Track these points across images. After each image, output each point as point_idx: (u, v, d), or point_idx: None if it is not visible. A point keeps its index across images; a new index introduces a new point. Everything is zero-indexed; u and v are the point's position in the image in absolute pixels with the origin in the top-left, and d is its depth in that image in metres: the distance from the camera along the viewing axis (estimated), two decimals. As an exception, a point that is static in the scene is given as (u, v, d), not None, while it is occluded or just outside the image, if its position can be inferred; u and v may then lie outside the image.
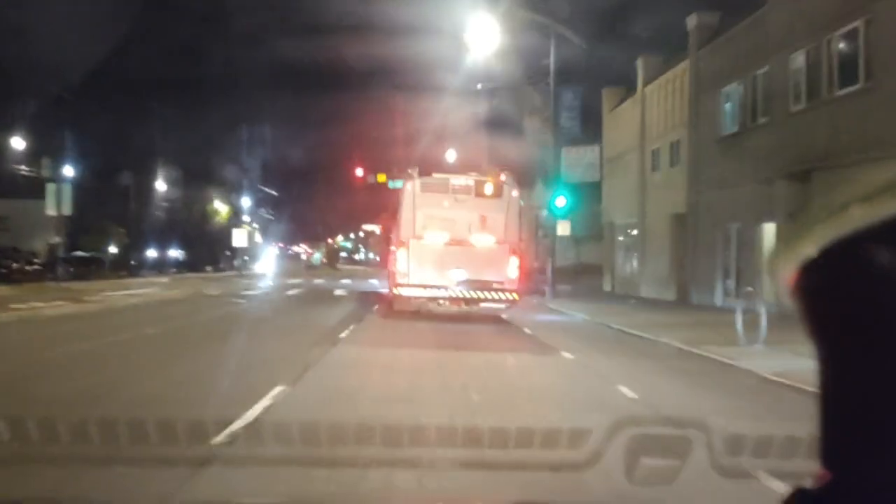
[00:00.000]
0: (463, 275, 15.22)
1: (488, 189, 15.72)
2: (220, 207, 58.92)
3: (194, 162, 53.55)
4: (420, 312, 15.78)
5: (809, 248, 0.79)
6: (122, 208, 46.80)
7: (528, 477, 4.48)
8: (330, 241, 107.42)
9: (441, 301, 15.66)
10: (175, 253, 52.75)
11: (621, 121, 30.73)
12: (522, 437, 4.88)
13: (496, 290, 15.35)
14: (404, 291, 15.62)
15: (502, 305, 16.01)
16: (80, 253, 39.15)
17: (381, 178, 30.61)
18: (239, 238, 51.42)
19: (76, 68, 41.82)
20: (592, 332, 15.41)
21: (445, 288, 15.23)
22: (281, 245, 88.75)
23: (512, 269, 15.42)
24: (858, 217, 0.74)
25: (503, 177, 16.35)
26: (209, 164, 56.83)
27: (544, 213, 25.86)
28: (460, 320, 15.49)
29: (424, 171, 16.57)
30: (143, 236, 48.94)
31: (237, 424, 5.20)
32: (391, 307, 16.65)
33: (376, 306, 18.94)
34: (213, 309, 18.54)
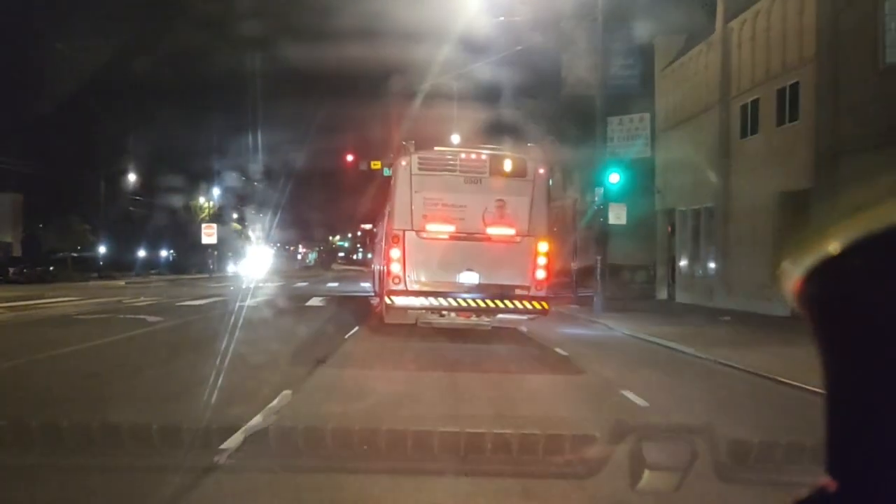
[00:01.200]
0: (475, 278, 11.74)
1: (508, 166, 12.05)
2: (204, 204, 52.07)
3: (179, 159, 48.26)
4: (416, 329, 12.29)
5: (813, 257, 0.81)
6: (92, 205, 42.68)
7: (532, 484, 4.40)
8: (331, 239, 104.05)
9: (445, 313, 11.96)
10: (165, 253, 50.82)
11: (684, 76, 23.96)
12: (526, 444, 4.75)
13: (518, 298, 11.73)
14: (398, 300, 11.86)
15: (525, 317, 12.31)
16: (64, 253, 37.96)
17: (376, 164, 27.21)
18: (208, 234, 43.32)
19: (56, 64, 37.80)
20: (704, 372, 9.61)
21: (452, 295, 11.67)
22: (279, 245, 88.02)
23: (539, 269, 11.87)
24: (864, 225, 0.76)
25: (528, 150, 12.94)
26: (197, 161, 50.75)
27: (587, 197, 21.74)
28: (472, 338, 12.11)
29: (425, 145, 12.68)
30: (117, 235, 43.95)
31: None
32: (381, 321, 13.04)
33: (355, 328, 13.68)
34: (84, 338, 11.26)
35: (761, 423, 6.36)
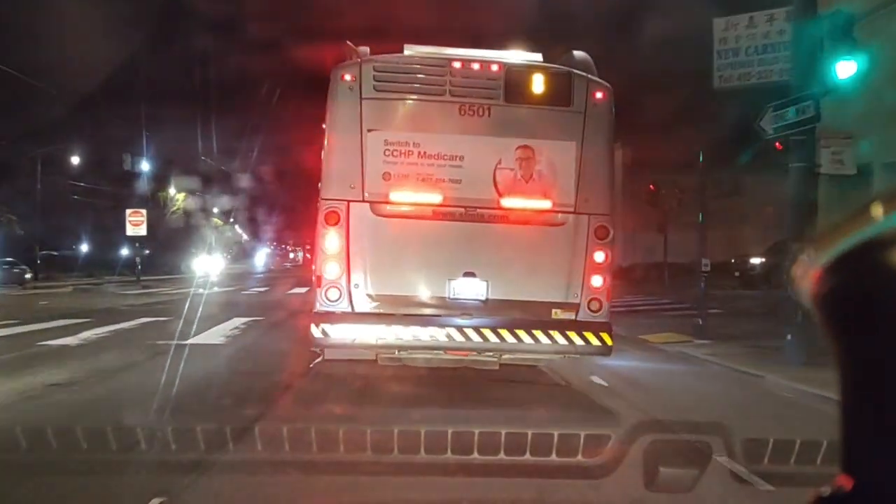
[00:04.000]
0: (478, 289, 6.89)
1: (540, 83, 6.98)
2: (177, 195, 47.74)
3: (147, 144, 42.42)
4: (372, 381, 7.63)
5: (828, 252, 0.79)
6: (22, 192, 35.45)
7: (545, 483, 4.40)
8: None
9: (424, 353, 7.18)
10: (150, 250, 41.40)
11: None
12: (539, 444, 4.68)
13: (559, 327, 6.79)
14: (336, 332, 6.78)
15: (576, 355, 7.20)
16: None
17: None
18: (135, 224, 32.47)
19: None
20: None
21: (436, 322, 6.79)
22: (275, 244, 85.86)
23: (596, 273, 6.95)
24: (877, 221, 0.75)
25: (574, 59, 7.34)
26: (169, 149, 45.69)
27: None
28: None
29: (385, 49, 7.47)
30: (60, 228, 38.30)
31: None
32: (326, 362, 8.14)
33: (264, 407, 6.70)
34: None
35: None
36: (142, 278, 33.47)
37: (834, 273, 0.78)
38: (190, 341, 10.68)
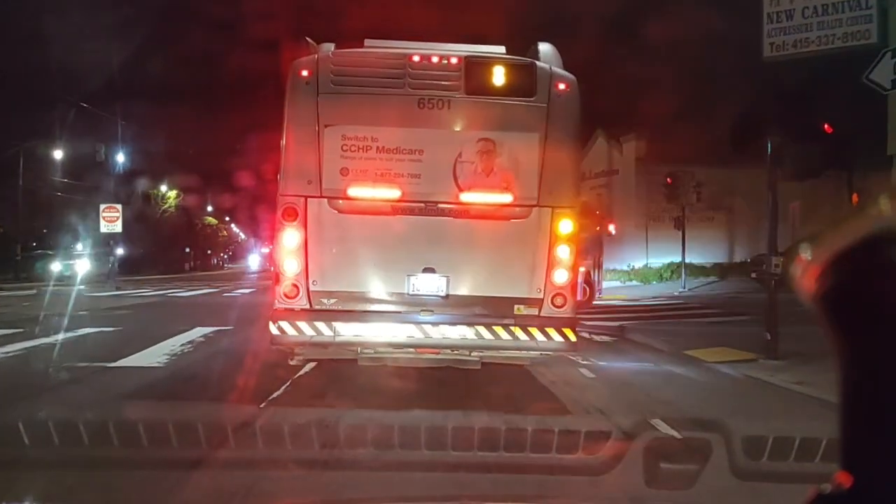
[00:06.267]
0: (438, 284, 6.82)
1: (501, 75, 6.92)
2: (169, 193, 45.99)
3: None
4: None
5: (828, 249, 0.79)
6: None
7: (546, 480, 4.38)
8: None
9: (382, 351, 7.01)
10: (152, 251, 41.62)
11: None
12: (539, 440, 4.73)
13: (521, 323, 6.72)
14: (293, 329, 6.68)
15: (535, 354, 7.04)
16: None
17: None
18: (110, 221, 29.82)
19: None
20: None
21: (394, 318, 6.78)
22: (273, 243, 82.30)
23: (560, 268, 6.83)
24: (876, 218, 0.75)
25: (541, 51, 7.30)
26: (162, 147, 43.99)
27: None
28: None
29: (345, 44, 7.48)
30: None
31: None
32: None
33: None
34: None
35: None
36: (123, 279, 31.61)
37: (834, 270, 0.78)
38: (119, 363, 8.50)
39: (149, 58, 47.01)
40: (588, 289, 18.28)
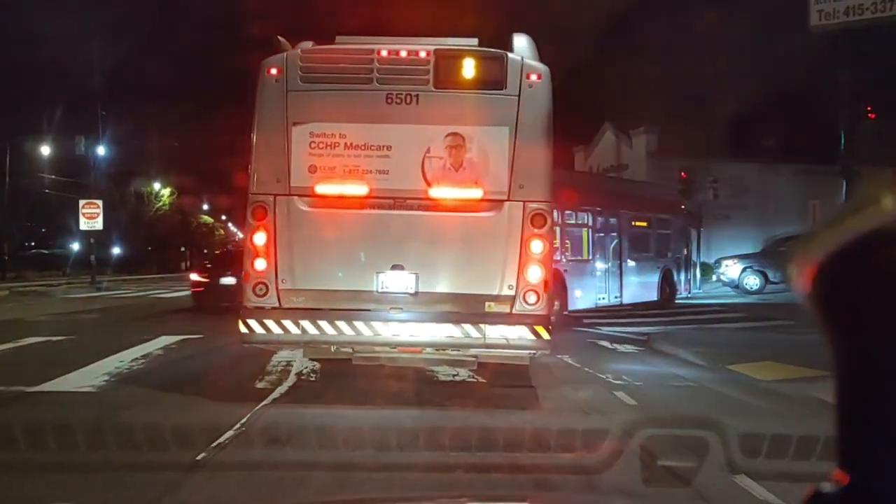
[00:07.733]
0: (407, 282, 6.79)
1: (471, 68, 6.86)
2: (162, 190, 44.52)
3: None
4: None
5: (825, 247, 0.78)
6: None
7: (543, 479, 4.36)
8: None
9: (349, 348, 7.07)
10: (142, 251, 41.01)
11: None
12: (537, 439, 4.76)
13: (491, 321, 6.66)
14: (263, 329, 6.72)
15: (509, 352, 6.90)
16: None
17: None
18: (89, 217, 28.02)
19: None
20: None
21: (361, 317, 6.71)
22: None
23: (533, 264, 6.73)
24: (872, 217, 0.74)
25: (516, 43, 7.14)
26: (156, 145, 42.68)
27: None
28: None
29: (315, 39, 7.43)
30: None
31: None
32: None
33: None
34: None
35: None
36: (111, 279, 30.43)
37: (831, 269, 0.78)
38: (41, 387, 6.95)
39: (144, 56, 46.06)
40: (669, 289, 17.68)
